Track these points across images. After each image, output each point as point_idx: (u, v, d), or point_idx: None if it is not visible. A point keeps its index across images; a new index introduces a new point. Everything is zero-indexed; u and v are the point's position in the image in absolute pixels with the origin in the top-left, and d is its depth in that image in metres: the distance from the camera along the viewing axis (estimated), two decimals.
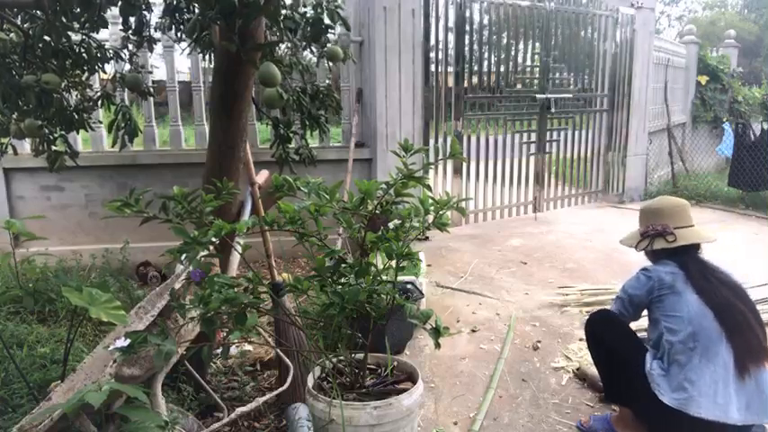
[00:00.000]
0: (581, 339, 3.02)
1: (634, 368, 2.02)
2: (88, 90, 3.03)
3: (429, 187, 1.90)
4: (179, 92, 4.81)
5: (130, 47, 2.95)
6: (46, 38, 2.40)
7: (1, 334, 2.64)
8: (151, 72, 4.26)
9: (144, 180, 4.52)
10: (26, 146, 4.33)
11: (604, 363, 2.21)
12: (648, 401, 1.95)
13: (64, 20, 2.22)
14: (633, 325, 2.23)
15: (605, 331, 2.17)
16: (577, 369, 2.74)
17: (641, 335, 2.24)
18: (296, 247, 3.13)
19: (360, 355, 2.10)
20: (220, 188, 1.84)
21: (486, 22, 5.70)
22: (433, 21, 5.20)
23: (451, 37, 5.47)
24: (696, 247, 2.15)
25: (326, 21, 2.37)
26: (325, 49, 2.88)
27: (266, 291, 2.08)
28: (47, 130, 2.77)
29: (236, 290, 1.77)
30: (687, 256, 2.11)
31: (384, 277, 1.97)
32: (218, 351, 2.44)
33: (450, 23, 5.38)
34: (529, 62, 6.05)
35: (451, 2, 5.29)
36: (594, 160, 6.81)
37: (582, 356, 2.86)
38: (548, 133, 6.21)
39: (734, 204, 6.75)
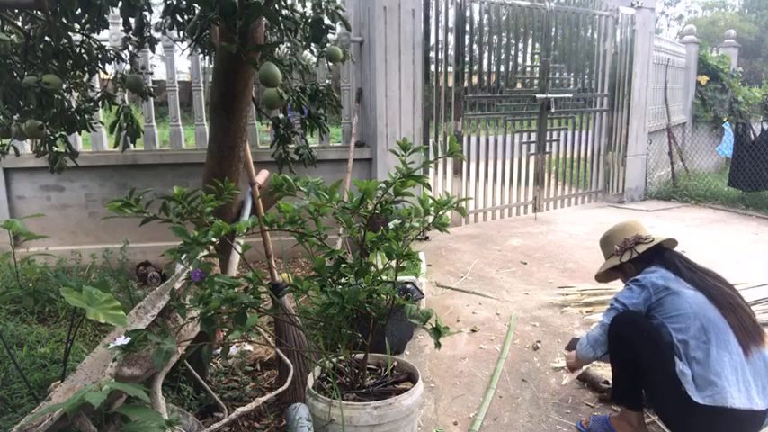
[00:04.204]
0: None
1: (663, 370, 1.96)
2: (89, 91, 3.03)
3: (428, 186, 1.90)
4: (179, 92, 4.82)
5: (131, 47, 2.95)
6: (46, 39, 2.40)
7: (1, 334, 2.64)
8: (151, 73, 4.27)
9: (144, 180, 4.53)
10: (26, 146, 4.34)
11: (628, 365, 2.11)
12: (679, 403, 1.90)
13: (64, 21, 2.22)
14: None
15: (633, 333, 2.07)
16: (589, 375, 2.64)
17: None
18: (296, 247, 3.13)
19: (360, 355, 2.10)
20: (221, 188, 1.85)
21: (485, 21, 5.71)
22: (432, 21, 5.20)
23: (451, 37, 5.47)
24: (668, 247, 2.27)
25: (327, 21, 2.37)
26: (325, 49, 2.89)
27: (266, 291, 2.08)
28: (48, 131, 2.78)
29: (236, 290, 1.77)
30: (667, 254, 2.20)
31: (384, 277, 1.97)
32: (218, 351, 2.44)
33: (450, 23, 5.39)
34: (529, 62, 6.06)
35: (451, 2, 5.30)
36: (594, 160, 6.81)
37: None
38: (548, 133, 6.22)
39: (734, 204, 6.75)
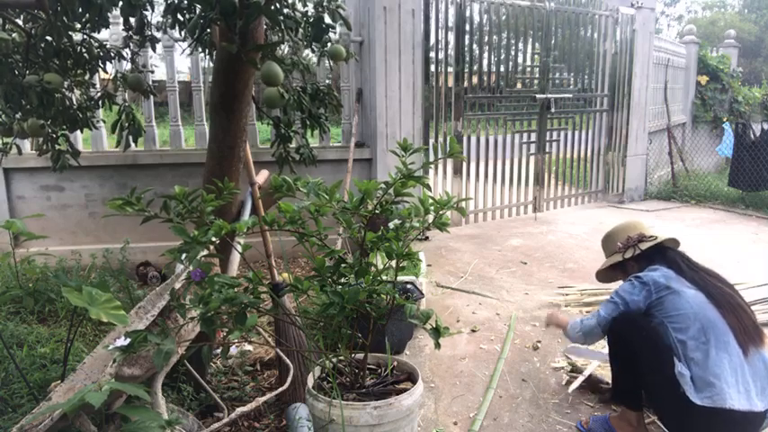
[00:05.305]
0: None
1: (662, 371, 1.95)
2: (90, 89, 3.03)
3: (429, 186, 1.90)
4: (179, 92, 4.82)
5: (132, 46, 2.95)
6: (48, 38, 2.40)
7: (1, 334, 2.64)
8: (152, 71, 4.27)
9: (144, 180, 4.53)
10: (27, 145, 4.34)
11: (627, 365, 2.11)
12: (678, 404, 1.90)
13: (65, 20, 2.22)
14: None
15: (632, 332, 2.07)
16: (589, 376, 2.63)
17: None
18: (296, 247, 3.13)
19: (360, 355, 2.10)
20: (221, 188, 1.84)
21: (485, 21, 5.70)
22: (432, 21, 5.20)
23: (451, 37, 5.47)
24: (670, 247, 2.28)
25: (328, 20, 2.37)
26: (328, 48, 2.88)
27: (266, 291, 2.08)
28: (50, 130, 2.78)
29: (236, 290, 1.77)
30: (670, 253, 2.21)
31: (384, 277, 1.97)
32: (218, 351, 2.44)
33: (450, 23, 5.38)
34: (529, 62, 6.06)
35: (451, 2, 5.30)
36: (594, 160, 6.81)
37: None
38: (548, 133, 6.22)
39: (734, 204, 6.75)
